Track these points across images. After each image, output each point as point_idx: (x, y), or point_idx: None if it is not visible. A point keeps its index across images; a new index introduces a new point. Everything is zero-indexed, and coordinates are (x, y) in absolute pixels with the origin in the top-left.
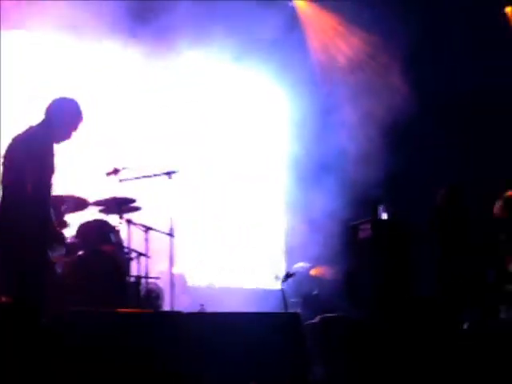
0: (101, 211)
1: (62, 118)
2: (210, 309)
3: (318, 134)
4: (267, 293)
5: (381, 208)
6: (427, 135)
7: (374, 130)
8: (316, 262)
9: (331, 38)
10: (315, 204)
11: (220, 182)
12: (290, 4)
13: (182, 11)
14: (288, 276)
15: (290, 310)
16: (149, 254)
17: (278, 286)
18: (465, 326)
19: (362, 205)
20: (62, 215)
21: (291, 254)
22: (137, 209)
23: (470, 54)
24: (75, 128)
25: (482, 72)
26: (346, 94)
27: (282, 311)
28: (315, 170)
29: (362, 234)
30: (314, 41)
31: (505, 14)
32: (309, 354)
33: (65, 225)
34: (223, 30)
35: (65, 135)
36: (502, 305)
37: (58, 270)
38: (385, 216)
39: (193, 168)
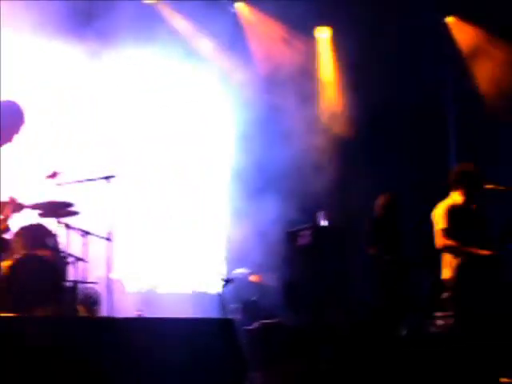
0: (39, 215)
1: (3, 120)
2: (149, 315)
3: (262, 141)
4: (208, 298)
5: (320, 215)
6: (368, 144)
7: (317, 138)
8: (257, 269)
9: (276, 45)
10: (259, 211)
11: (162, 186)
12: (232, 10)
13: (126, 10)
14: (227, 282)
15: (229, 316)
16: (87, 259)
17: (218, 291)
18: (403, 333)
19: (306, 212)
20: (3, 220)
21: (233, 261)
22: (75, 213)
23: (407, 66)
24: (17, 131)
25: (422, 83)
26: (289, 103)
27: (220, 317)
28: (260, 177)
29: (301, 241)
30: (257, 47)
31: (445, 24)
32: (245, 360)
33: (6, 229)
34: (168, 30)
35: (6, 138)
36: (437, 312)
37: None
38: (325, 223)
39: (134, 172)
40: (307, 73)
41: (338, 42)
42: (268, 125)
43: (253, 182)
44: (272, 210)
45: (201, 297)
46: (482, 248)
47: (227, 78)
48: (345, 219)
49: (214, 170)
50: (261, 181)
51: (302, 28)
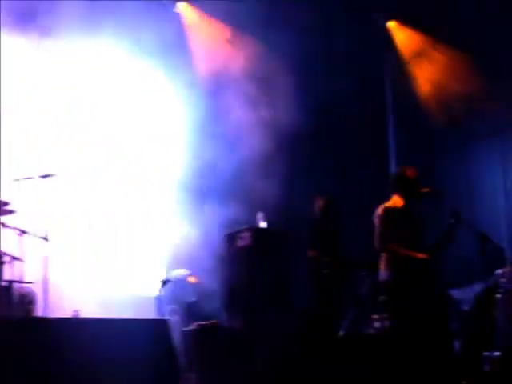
0: None
1: None
2: (86, 315)
3: (207, 143)
4: (147, 300)
5: (260, 216)
6: (311, 146)
7: (261, 141)
8: (196, 270)
9: (220, 47)
10: (203, 213)
11: (104, 186)
12: (175, 10)
13: (71, 4)
14: (165, 283)
15: (167, 317)
16: (23, 259)
17: (157, 292)
18: (340, 334)
19: (250, 214)
20: None
21: (174, 262)
22: (11, 212)
23: (350, 69)
24: None
25: (363, 86)
26: (233, 105)
27: (157, 318)
28: (205, 179)
29: (240, 243)
30: (200, 48)
31: (387, 29)
32: (179, 361)
33: None
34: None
35: None
36: (375, 314)
37: None
38: (264, 224)
39: (75, 171)
40: (252, 74)
41: (281, 43)
42: (212, 127)
43: (197, 183)
44: (216, 212)
45: (140, 298)
46: (419, 251)
47: (174, 78)
48: (286, 221)
49: (158, 171)
50: (205, 183)
51: (247, 29)
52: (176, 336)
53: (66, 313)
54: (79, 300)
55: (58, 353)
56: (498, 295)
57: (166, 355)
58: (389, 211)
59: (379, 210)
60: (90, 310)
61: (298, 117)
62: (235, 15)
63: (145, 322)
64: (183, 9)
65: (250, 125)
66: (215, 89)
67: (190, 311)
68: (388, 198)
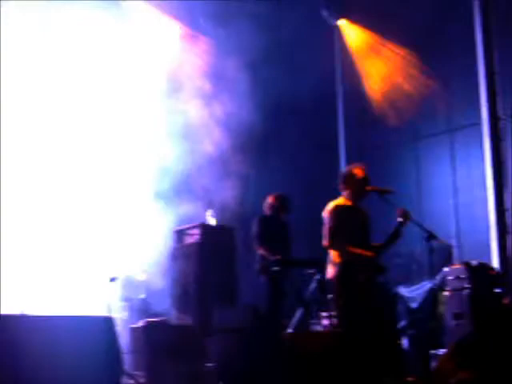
0: None
1: None
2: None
3: (163, 141)
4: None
5: (209, 213)
6: (263, 144)
7: (216, 138)
8: (145, 267)
9: (174, 44)
10: (157, 211)
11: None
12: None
13: None
14: (112, 280)
15: (115, 314)
16: None
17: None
18: (289, 331)
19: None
20: None
21: (124, 257)
22: None
23: (301, 67)
24: None
25: (315, 85)
26: (187, 102)
27: (102, 315)
28: (162, 177)
29: (189, 239)
30: (154, 46)
31: (337, 27)
32: (123, 358)
33: None
34: None
35: None
36: (323, 312)
37: None
38: (213, 221)
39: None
40: (206, 72)
41: (234, 41)
42: (169, 125)
43: (153, 182)
44: (169, 211)
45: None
46: (367, 249)
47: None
48: (240, 219)
49: (113, 171)
50: (160, 181)
51: (201, 28)
52: (122, 333)
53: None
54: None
55: (2, 349)
56: (446, 293)
57: (110, 352)
58: (338, 208)
59: (329, 207)
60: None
61: (251, 115)
62: (190, 13)
63: (90, 319)
64: (135, 6)
65: (204, 124)
66: (170, 87)
67: (139, 308)
68: (338, 196)
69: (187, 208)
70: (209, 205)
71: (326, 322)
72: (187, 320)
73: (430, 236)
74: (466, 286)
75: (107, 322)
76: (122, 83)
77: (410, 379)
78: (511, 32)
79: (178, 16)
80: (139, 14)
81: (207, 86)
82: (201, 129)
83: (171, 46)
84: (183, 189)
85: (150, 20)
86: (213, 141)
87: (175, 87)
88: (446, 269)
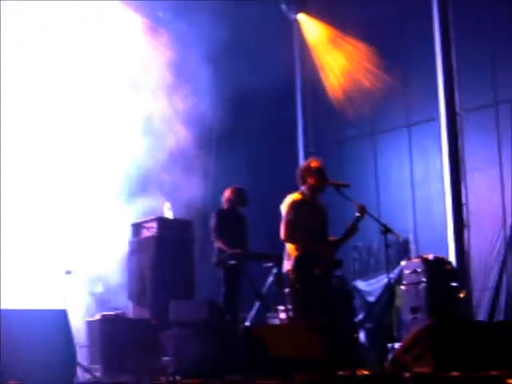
0: None
1: None
2: None
3: (127, 135)
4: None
5: (166, 206)
6: (223, 136)
7: (178, 133)
8: (103, 262)
9: (136, 38)
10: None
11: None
12: None
13: None
14: (68, 273)
15: (72, 308)
16: None
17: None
18: (245, 325)
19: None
20: None
21: (82, 252)
22: None
23: (261, 60)
24: None
25: (274, 77)
26: (151, 97)
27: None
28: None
29: (146, 233)
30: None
31: (297, 21)
32: (75, 351)
33: None
34: None
35: None
36: (280, 305)
37: None
38: (170, 215)
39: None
40: (167, 66)
41: (195, 34)
42: (130, 119)
43: (118, 178)
44: (130, 205)
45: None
46: (324, 242)
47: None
48: (201, 213)
49: (73, 166)
50: (125, 176)
51: (162, 21)
52: (77, 326)
53: None
54: None
55: None
56: (403, 287)
57: (64, 345)
58: (295, 202)
59: (286, 201)
60: None
61: (212, 108)
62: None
63: (43, 313)
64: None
65: (165, 118)
66: (131, 81)
67: (97, 302)
68: (296, 190)
69: (148, 203)
70: (168, 199)
71: (282, 315)
72: (144, 313)
73: (386, 229)
74: (423, 279)
75: (61, 316)
76: (82, 77)
77: (366, 372)
78: (470, 27)
79: (139, 9)
80: (101, 7)
81: (169, 80)
82: (162, 123)
83: (133, 40)
84: (144, 183)
85: (111, 13)
86: (174, 135)
87: (136, 81)
88: (403, 263)
